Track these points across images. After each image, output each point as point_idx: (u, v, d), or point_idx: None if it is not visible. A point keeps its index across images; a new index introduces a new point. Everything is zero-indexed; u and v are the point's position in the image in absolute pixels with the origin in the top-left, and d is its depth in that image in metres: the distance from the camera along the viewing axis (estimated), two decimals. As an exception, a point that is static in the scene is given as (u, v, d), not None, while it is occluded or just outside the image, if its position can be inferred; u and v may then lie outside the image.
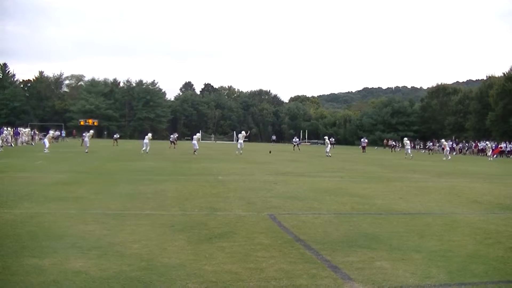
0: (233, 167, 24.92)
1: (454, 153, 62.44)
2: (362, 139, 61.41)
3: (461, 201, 13.74)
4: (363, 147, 57.51)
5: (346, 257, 6.96)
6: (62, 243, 7.35)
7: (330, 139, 56.57)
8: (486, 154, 53.06)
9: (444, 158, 42.40)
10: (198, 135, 43.55)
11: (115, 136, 61.65)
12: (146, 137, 40.77)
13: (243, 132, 44.52)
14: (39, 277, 5.75)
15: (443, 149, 46.44)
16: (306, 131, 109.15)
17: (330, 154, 42.01)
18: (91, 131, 44.22)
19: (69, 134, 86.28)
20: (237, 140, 45.67)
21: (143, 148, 38.79)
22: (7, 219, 9.19)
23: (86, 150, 37.47)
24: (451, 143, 67.76)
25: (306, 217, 10.22)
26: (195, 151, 38.67)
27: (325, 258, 6.86)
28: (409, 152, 44.83)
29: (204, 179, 18.04)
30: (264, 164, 28.01)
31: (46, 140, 38.38)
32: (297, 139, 63.18)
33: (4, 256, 6.56)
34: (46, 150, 35.35)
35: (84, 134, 43.74)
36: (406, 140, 47.58)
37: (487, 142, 57.79)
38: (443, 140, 52.48)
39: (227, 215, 10.21)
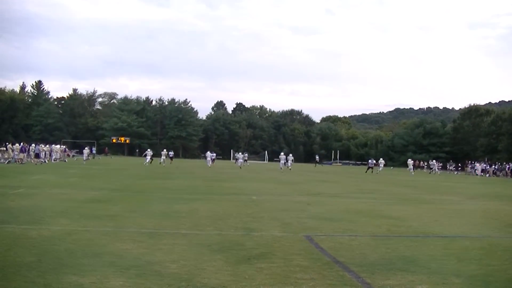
0: (264, 187, 24.95)
1: (487, 175, 61.59)
2: (369, 160, 59.32)
3: (497, 224, 13.47)
4: (370, 168, 55.50)
5: (386, 280, 6.83)
6: (100, 261, 7.36)
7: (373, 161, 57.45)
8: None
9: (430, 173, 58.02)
10: (243, 155, 61.97)
11: (170, 154, 58.71)
12: (209, 154, 53.25)
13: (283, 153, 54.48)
14: (81, 296, 5.80)
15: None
16: (338, 151, 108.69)
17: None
18: (165, 150, 54.35)
19: (100, 152, 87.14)
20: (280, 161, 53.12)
21: (209, 165, 50.14)
22: (45, 236, 9.26)
23: (164, 164, 48.38)
24: (484, 165, 66.82)
25: (343, 239, 10.11)
26: (240, 166, 52.92)
27: (365, 281, 6.74)
28: (412, 171, 58.22)
29: (237, 199, 18.06)
30: (295, 185, 27.93)
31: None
32: (317, 157, 63.86)
33: (44, 272, 6.59)
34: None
35: (162, 152, 53.38)
36: (409, 161, 61.36)
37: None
38: (434, 160, 66.49)
39: (263, 235, 10.14)
